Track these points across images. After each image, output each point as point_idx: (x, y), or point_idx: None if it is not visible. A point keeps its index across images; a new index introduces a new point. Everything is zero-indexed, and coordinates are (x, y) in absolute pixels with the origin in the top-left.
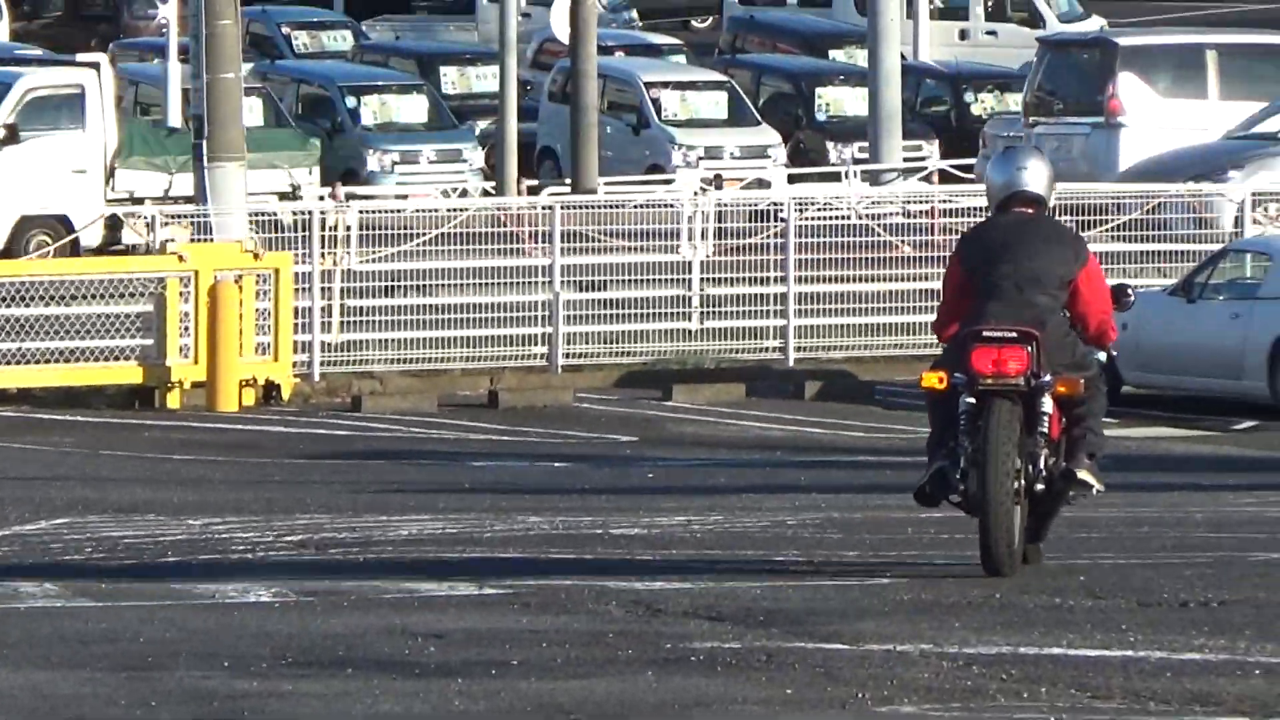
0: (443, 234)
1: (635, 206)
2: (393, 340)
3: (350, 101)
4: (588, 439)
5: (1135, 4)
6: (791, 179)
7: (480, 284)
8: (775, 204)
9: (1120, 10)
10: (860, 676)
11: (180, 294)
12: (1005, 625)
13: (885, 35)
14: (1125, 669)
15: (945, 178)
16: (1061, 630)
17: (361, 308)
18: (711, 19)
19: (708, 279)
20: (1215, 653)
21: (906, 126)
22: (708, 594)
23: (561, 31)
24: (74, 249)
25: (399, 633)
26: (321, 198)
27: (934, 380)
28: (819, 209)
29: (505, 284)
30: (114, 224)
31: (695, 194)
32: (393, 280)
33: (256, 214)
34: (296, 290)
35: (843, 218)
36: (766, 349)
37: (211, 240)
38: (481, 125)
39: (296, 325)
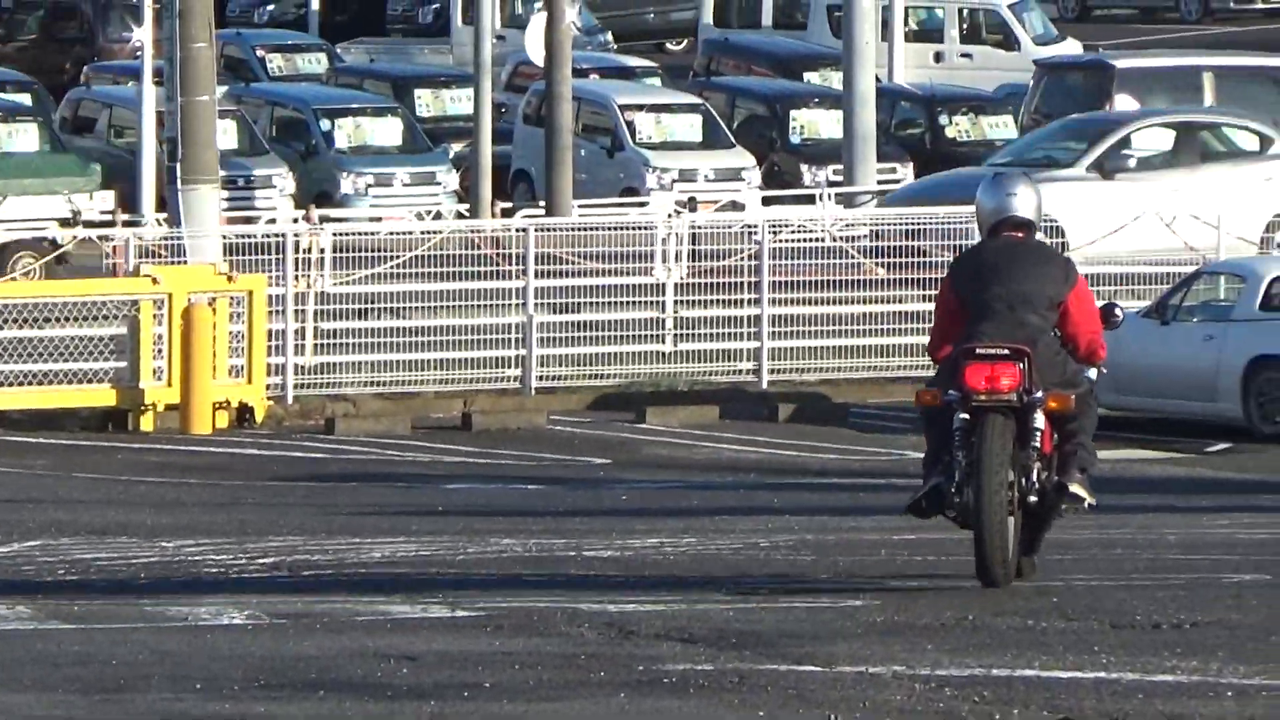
0: (417, 256)
1: (609, 229)
2: (366, 363)
3: (325, 124)
4: (561, 461)
5: (1111, 26)
6: (766, 201)
7: (454, 306)
8: (749, 226)
9: (1096, 34)
10: (833, 698)
11: (154, 316)
12: (978, 647)
13: (860, 58)
14: (1098, 690)
15: None
16: (1034, 652)
17: (335, 330)
18: (686, 42)
19: (682, 301)
20: (1188, 674)
21: (881, 149)
22: (680, 616)
23: (536, 54)
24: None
25: (371, 655)
26: (296, 220)
27: (929, 397)
28: (793, 231)
29: (479, 306)
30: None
31: (669, 216)
32: (366, 303)
33: (231, 236)
34: (270, 313)
35: (817, 240)
36: (740, 371)
37: (184, 262)
38: (456, 148)
39: (270, 348)
